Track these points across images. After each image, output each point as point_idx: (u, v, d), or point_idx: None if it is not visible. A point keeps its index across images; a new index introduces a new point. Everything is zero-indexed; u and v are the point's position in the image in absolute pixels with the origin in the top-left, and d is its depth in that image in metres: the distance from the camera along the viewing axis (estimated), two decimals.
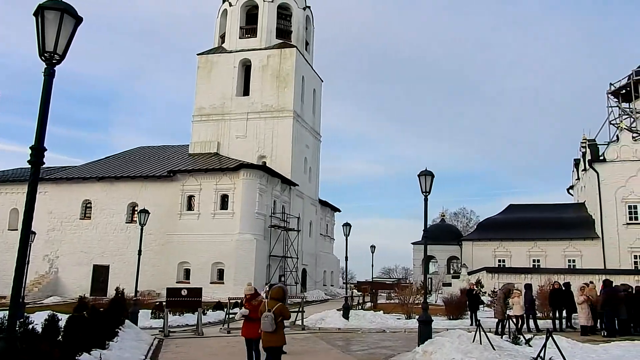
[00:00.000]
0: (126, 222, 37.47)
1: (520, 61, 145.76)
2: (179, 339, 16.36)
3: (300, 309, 19.42)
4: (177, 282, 32.96)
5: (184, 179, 36.98)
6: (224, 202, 36.23)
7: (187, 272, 35.44)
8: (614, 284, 18.42)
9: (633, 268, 40.04)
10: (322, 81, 49.73)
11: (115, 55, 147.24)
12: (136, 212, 28.41)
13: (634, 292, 18.16)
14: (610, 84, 50.98)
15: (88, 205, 38.94)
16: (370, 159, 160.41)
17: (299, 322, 19.04)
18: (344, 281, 38.85)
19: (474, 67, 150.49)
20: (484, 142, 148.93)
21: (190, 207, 36.76)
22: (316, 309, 26.98)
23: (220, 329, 18.61)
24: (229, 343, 14.85)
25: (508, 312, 16.97)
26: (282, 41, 43.80)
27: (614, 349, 13.04)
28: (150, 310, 21.04)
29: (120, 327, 13.74)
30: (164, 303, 18.51)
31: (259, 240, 35.16)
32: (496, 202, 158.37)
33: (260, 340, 8.60)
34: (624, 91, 50.30)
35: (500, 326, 16.71)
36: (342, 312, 21.40)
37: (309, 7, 47.98)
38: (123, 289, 17.27)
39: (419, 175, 14.28)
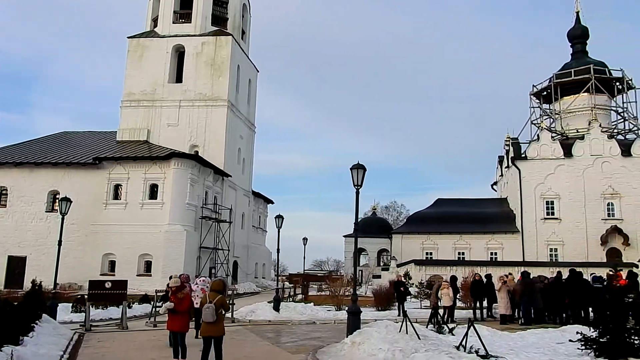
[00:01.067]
0: (46, 211, 35.47)
1: (448, 60, 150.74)
2: (102, 333, 15.73)
3: (231, 302, 19.17)
4: (101, 275, 31.62)
5: (110, 167, 35.47)
6: (153, 192, 35.10)
7: (113, 264, 34.07)
8: (531, 276, 19.49)
9: (549, 260, 42.54)
10: (258, 71, 49.20)
11: (35, 32, 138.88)
12: (57, 201, 26.97)
13: (549, 283, 19.27)
14: (533, 86, 53.77)
15: (3, 191, 36.53)
16: (305, 151, 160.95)
17: (228, 315, 18.79)
18: (276, 273, 38.79)
19: (405, 65, 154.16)
20: (415, 139, 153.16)
21: (116, 196, 35.33)
22: (247, 301, 26.76)
23: (146, 322, 18.07)
24: (155, 337, 14.46)
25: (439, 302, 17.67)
26: (217, 28, 42.85)
27: (529, 336, 13.79)
28: (71, 304, 20.09)
29: (37, 321, 13.02)
30: (86, 296, 17.72)
31: (189, 231, 34.38)
32: (426, 196, 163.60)
33: (199, 331, 9.24)
34: (545, 93, 53.17)
35: (434, 315, 17.27)
36: (272, 304, 21.33)
37: None
38: (40, 282, 16.27)
39: (351, 169, 14.40)
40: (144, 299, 22.69)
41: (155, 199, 34.77)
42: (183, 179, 34.74)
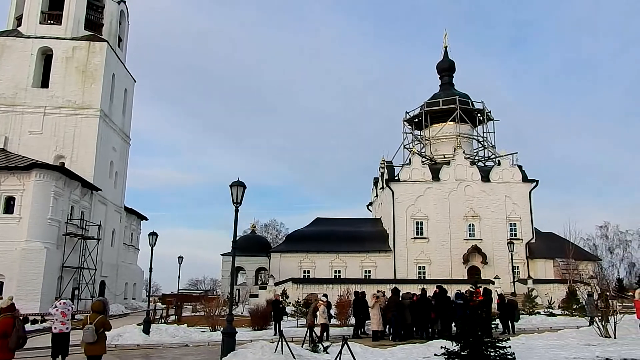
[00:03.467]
0: None
1: (330, 85, 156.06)
2: None
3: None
4: None
5: None
6: (9, 205, 31.77)
7: None
8: (400, 292, 20.39)
9: (417, 278, 45.04)
10: (135, 81, 46.96)
11: None
12: None
13: (417, 299, 20.27)
14: (406, 112, 57.30)
15: None
16: (182, 167, 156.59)
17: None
18: (148, 293, 36.80)
19: (287, 86, 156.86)
20: (295, 158, 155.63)
21: None
22: (114, 324, 24.75)
23: None
24: None
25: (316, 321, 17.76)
26: (91, 33, 40.35)
27: (398, 351, 14.35)
28: None
29: None
30: None
31: (50, 249, 31.48)
32: (305, 215, 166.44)
33: (84, 350, 9.26)
34: (417, 120, 56.83)
35: (309, 334, 17.28)
36: (142, 326, 20.08)
37: (125, 2, 45.12)
38: None
39: (230, 186, 14.11)
40: None
41: (12, 213, 31.51)
42: (45, 192, 31.86)
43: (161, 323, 24.43)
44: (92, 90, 38.24)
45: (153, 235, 22.63)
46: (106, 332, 9.46)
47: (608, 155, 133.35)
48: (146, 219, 52.26)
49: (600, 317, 17.25)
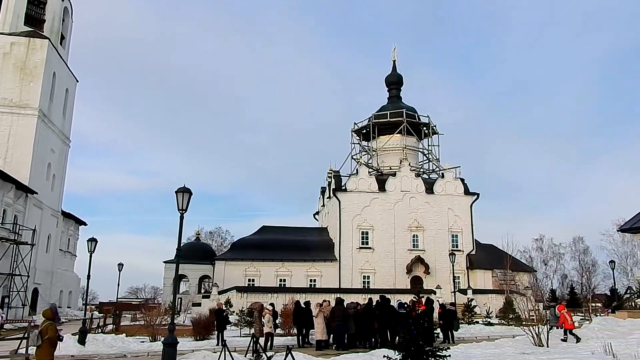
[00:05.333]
0: None
1: (279, 95, 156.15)
2: None
3: (25, 336, 16.84)
4: None
5: None
6: None
7: None
8: (345, 302, 20.49)
9: (362, 287, 45.48)
10: (78, 81, 45.35)
11: None
12: None
13: (361, 308, 20.42)
14: (355, 124, 57.97)
15: None
16: (124, 171, 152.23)
17: (22, 351, 16.45)
18: (84, 302, 35.36)
19: (235, 92, 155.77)
20: (243, 165, 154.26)
21: None
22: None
23: None
24: None
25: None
26: (32, 30, 38.74)
27: None
28: None
29: None
30: None
31: None
32: (251, 223, 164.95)
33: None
34: (365, 131, 57.60)
35: (255, 343, 17.03)
36: (77, 336, 19.26)
37: None
38: None
39: (176, 192, 13.83)
40: None
41: None
42: None
43: (98, 333, 23.50)
44: (30, 88, 36.66)
45: (92, 241, 21.82)
46: (51, 339, 9.90)
47: (544, 170, 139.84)
48: (85, 224, 50.44)
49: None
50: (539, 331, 16.76)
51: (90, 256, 21.84)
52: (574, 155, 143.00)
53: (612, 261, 42.42)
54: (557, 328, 18.97)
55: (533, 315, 18.81)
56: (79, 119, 60.75)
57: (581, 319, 30.08)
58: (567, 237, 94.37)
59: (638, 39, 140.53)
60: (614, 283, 44.96)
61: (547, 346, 16.34)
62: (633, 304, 28.83)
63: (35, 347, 9.94)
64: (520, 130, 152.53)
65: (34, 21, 39.65)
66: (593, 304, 46.98)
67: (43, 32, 39.51)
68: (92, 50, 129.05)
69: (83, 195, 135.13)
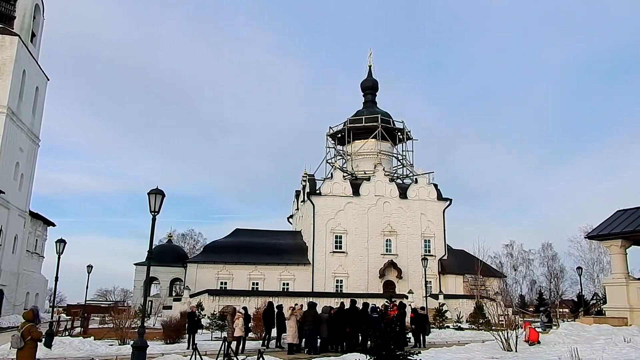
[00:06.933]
0: None
1: (254, 99, 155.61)
2: None
3: None
4: None
5: None
6: None
7: None
8: (317, 306, 20.49)
9: (335, 291, 45.53)
10: (48, 80, 44.40)
11: None
12: None
13: (334, 312, 20.44)
14: (330, 128, 58.11)
15: None
16: (95, 172, 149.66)
17: None
18: (51, 304, 34.58)
19: (208, 95, 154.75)
20: (217, 167, 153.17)
21: None
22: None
23: None
24: None
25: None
26: (1, 26, 37.81)
27: None
28: None
29: None
30: None
31: None
32: (224, 226, 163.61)
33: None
34: (340, 135, 57.80)
35: (227, 347, 16.90)
36: (44, 339, 18.81)
37: None
38: None
39: (148, 194, 13.66)
40: None
41: None
42: None
43: (65, 335, 23.04)
44: None
45: (61, 242, 21.42)
46: (34, 341, 9.99)
47: (515, 176, 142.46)
48: (53, 225, 49.35)
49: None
50: (507, 336, 17.03)
51: (59, 258, 21.43)
52: (541, 161, 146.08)
53: (579, 267, 43.40)
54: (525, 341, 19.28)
55: (502, 320, 19.11)
56: (49, 119, 59.52)
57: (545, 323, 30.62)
58: (537, 243, 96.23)
59: (602, 45, 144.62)
60: (581, 289, 46.00)
61: (516, 351, 16.60)
62: (599, 310, 29.53)
63: (16, 350, 9.85)
64: (490, 135, 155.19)
65: (4, 17, 38.75)
66: (560, 310, 47.98)
67: (13, 29, 38.63)
68: (65, 49, 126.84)
69: (52, 196, 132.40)
